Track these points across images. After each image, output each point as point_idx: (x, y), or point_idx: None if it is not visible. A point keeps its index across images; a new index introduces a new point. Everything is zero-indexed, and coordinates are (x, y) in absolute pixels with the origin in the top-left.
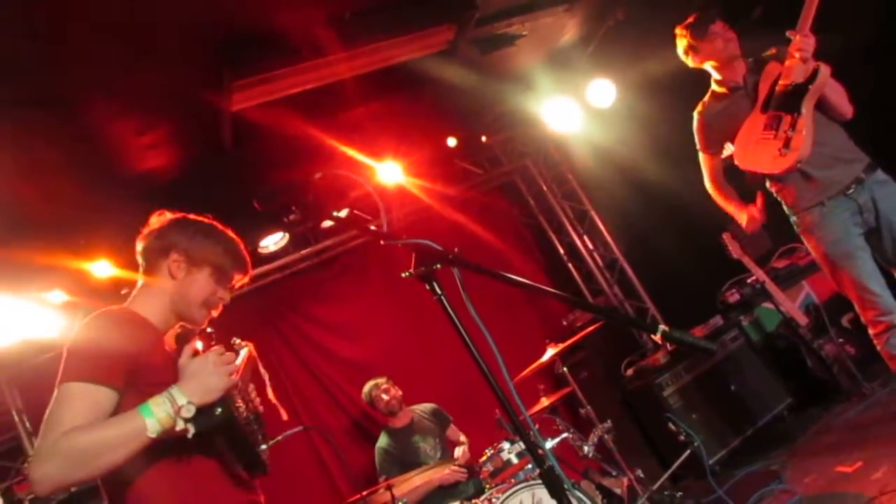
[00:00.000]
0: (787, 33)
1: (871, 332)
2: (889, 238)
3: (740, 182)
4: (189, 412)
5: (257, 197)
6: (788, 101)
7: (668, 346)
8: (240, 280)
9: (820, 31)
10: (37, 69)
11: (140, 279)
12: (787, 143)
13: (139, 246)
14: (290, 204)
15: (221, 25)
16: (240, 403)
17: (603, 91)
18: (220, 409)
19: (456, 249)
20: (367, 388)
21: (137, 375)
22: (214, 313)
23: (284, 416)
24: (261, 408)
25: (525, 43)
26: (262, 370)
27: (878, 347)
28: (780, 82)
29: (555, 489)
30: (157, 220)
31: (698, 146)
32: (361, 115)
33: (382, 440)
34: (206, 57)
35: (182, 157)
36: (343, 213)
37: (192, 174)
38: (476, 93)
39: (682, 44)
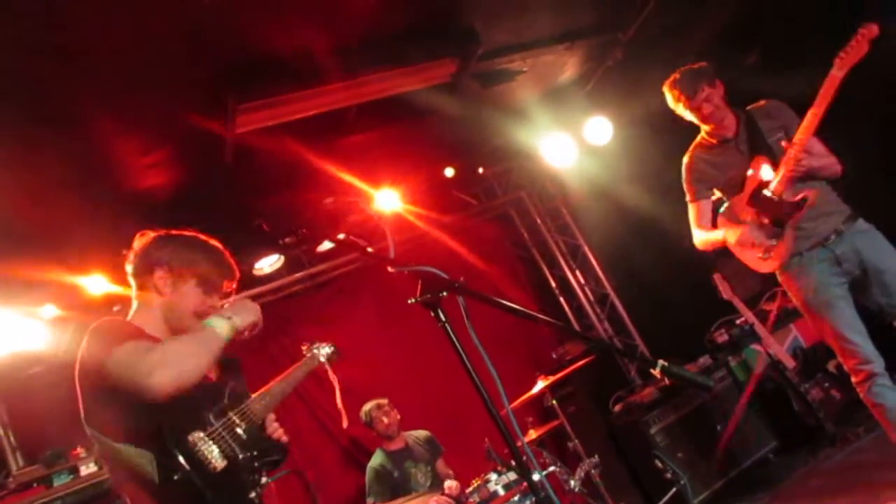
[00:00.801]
0: (783, 144)
1: (853, 379)
2: (877, 285)
3: None
4: (239, 321)
5: (263, 217)
6: (773, 216)
7: (665, 381)
8: (229, 287)
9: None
10: (45, 87)
11: (133, 301)
12: (768, 251)
13: (128, 268)
14: (296, 225)
15: (229, 49)
16: (215, 458)
17: (600, 128)
18: (178, 476)
19: (462, 279)
20: (367, 406)
21: None
22: None
23: (345, 423)
24: (283, 438)
25: (525, 79)
26: (331, 376)
27: (861, 395)
28: (768, 192)
29: None
30: (141, 240)
31: (687, 197)
32: (361, 142)
33: (376, 460)
34: (212, 79)
35: (182, 176)
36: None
37: (192, 193)
38: (474, 125)
39: (671, 99)
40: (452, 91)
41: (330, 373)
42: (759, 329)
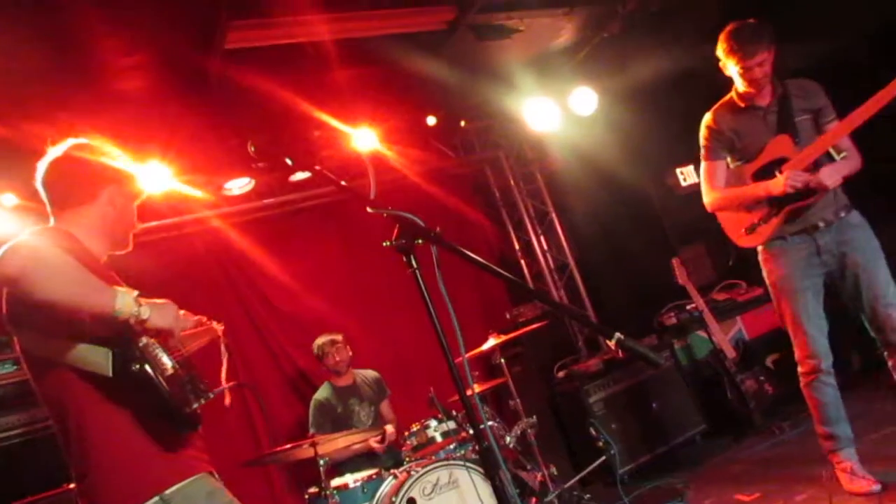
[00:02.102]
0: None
1: (799, 370)
2: (850, 283)
3: None
4: (146, 313)
5: (240, 137)
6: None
7: (618, 353)
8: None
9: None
10: None
11: (60, 211)
12: (752, 228)
13: (41, 181)
14: (277, 151)
15: None
16: (165, 362)
17: (585, 98)
18: (136, 366)
19: (438, 229)
20: (321, 340)
21: None
22: (135, 229)
23: (227, 402)
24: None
25: (520, 38)
26: (223, 350)
27: (802, 386)
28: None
29: (489, 467)
30: (52, 152)
31: (702, 153)
32: (344, 78)
33: (322, 393)
34: None
35: (161, 85)
36: (319, 168)
37: (168, 102)
38: (461, 77)
39: (722, 49)
40: (445, 39)
41: (223, 350)
42: (707, 317)
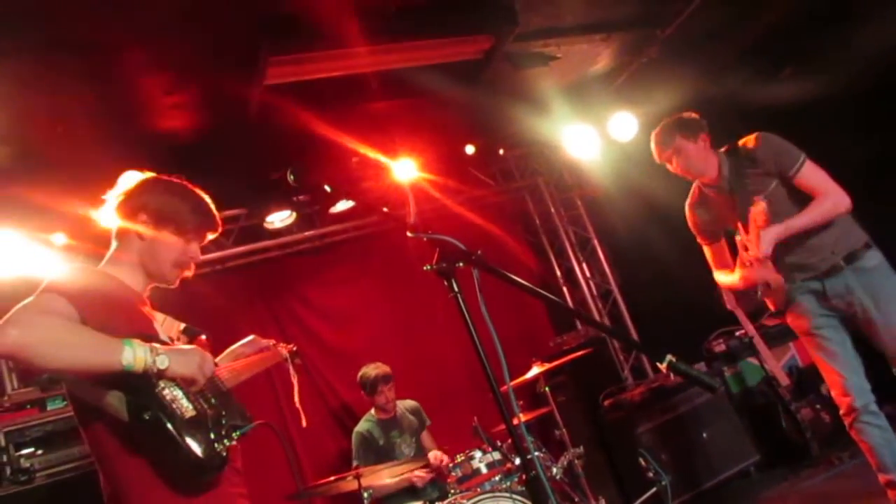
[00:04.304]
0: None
1: (840, 412)
2: (865, 327)
3: None
4: (163, 363)
5: (280, 171)
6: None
7: (670, 377)
8: (209, 237)
9: None
10: (75, 12)
11: (113, 241)
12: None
13: (111, 207)
14: (316, 181)
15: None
16: (185, 405)
17: (625, 124)
18: (148, 415)
19: (479, 251)
20: (372, 373)
21: (107, 323)
22: (188, 273)
23: (304, 423)
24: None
25: (557, 65)
26: (292, 372)
27: (848, 430)
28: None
29: (538, 498)
30: (127, 180)
31: (698, 239)
32: (382, 110)
33: (364, 425)
34: (247, 28)
35: (204, 122)
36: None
37: (211, 140)
38: (499, 106)
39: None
40: (482, 69)
41: (291, 371)
42: (758, 343)
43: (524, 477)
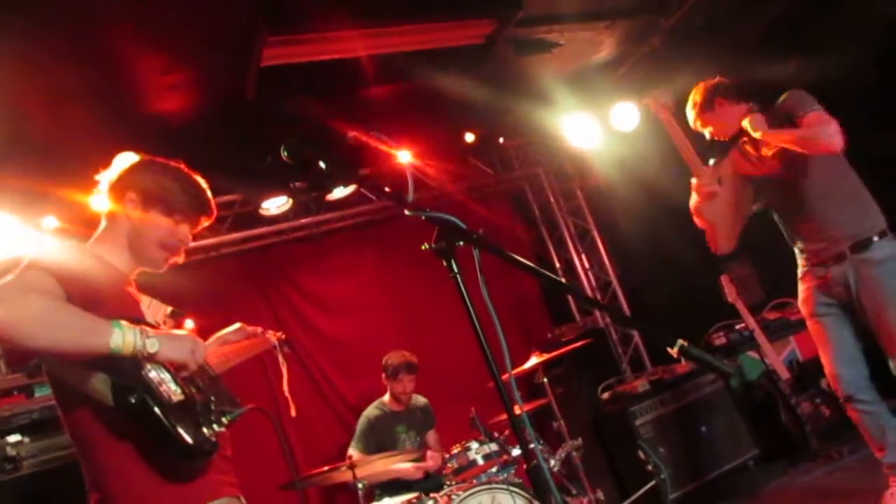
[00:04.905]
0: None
1: None
2: (861, 313)
3: None
4: (153, 347)
5: (286, 144)
6: None
7: (681, 362)
8: (203, 223)
9: None
10: None
11: (102, 220)
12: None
13: (101, 187)
14: (317, 158)
15: None
16: (173, 389)
17: (627, 114)
18: (134, 398)
19: (480, 231)
20: (398, 359)
21: (92, 303)
22: (177, 259)
23: (293, 413)
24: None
25: (559, 53)
26: (281, 360)
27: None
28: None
29: (540, 487)
30: (120, 160)
31: None
32: (380, 95)
33: (373, 411)
34: (245, 7)
35: (200, 105)
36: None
37: (207, 124)
38: (501, 93)
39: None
40: (483, 54)
41: (280, 359)
42: (759, 336)
43: (525, 466)
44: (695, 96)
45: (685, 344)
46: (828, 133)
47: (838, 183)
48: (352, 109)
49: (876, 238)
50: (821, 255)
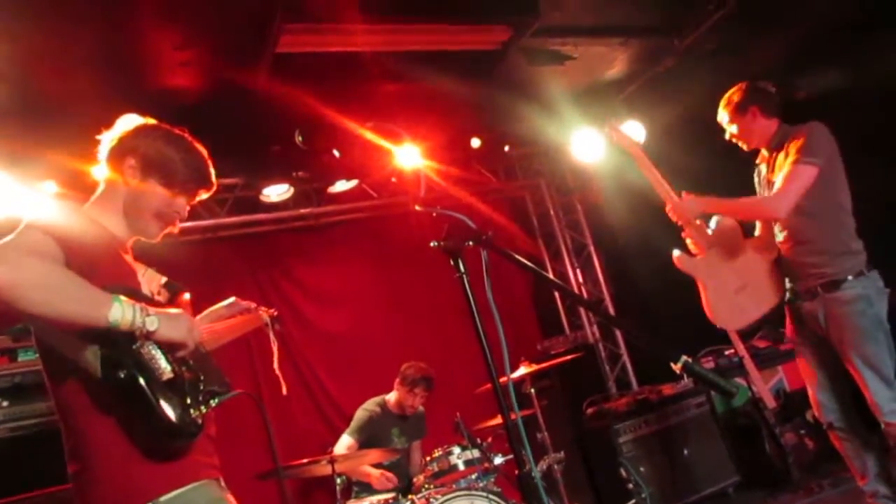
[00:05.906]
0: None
1: None
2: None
3: None
4: (152, 325)
5: (300, 129)
6: None
7: (685, 378)
8: (200, 195)
9: None
10: None
11: (100, 183)
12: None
13: (102, 148)
14: (330, 145)
15: None
16: (163, 366)
17: (634, 132)
18: (123, 373)
19: (490, 233)
20: (419, 373)
21: (90, 269)
22: (172, 229)
23: (284, 391)
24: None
25: (571, 67)
26: (272, 338)
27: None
28: None
29: (529, 493)
30: (123, 123)
31: None
32: (390, 91)
33: (374, 407)
34: None
35: (211, 84)
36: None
37: (215, 105)
38: (510, 101)
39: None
40: (497, 61)
41: (271, 336)
42: (748, 363)
43: (516, 472)
44: (733, 94)
45: (689, 360)
46: (772, 205)
47: (826, 226)
48: (362, 104)
49: (850, 278)
50: (795, 289)
